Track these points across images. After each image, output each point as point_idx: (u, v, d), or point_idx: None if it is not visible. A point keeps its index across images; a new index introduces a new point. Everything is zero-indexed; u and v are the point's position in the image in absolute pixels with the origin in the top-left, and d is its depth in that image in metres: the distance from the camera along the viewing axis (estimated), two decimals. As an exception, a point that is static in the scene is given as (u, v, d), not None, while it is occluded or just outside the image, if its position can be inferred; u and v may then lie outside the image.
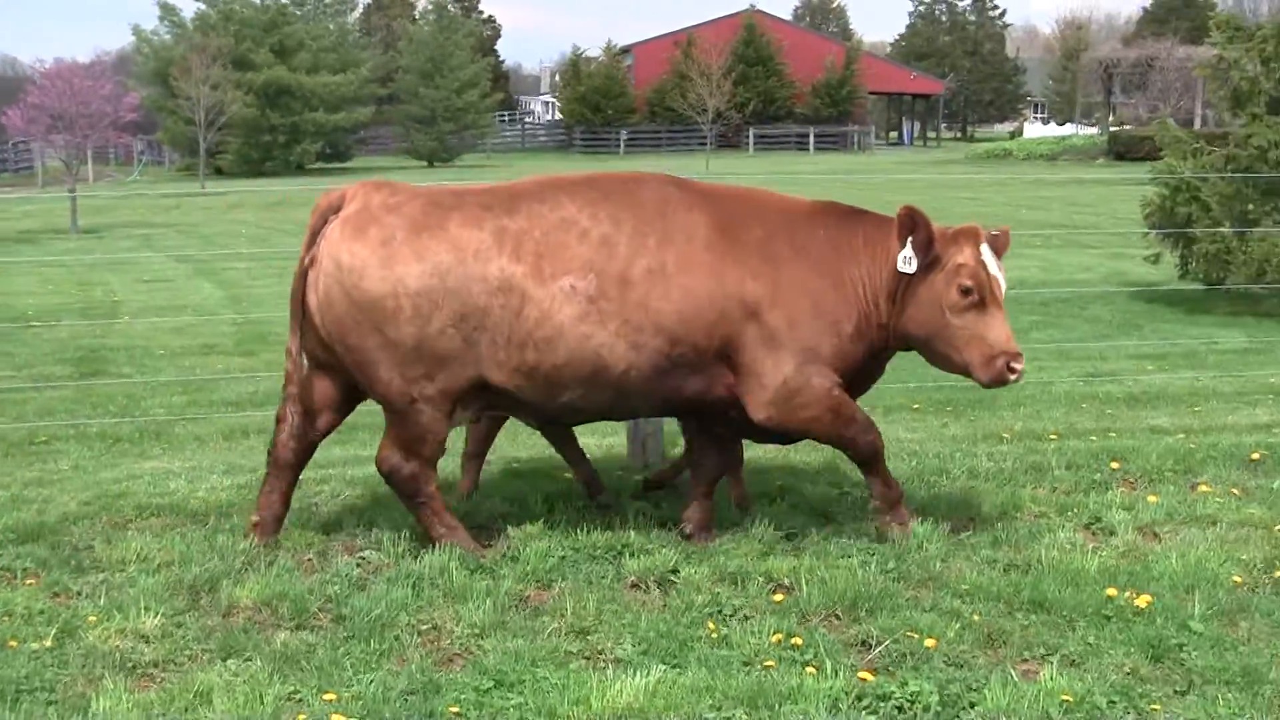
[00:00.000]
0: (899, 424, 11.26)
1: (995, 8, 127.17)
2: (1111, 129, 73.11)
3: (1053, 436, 10.45)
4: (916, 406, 12.23)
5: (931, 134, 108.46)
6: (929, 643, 6.39)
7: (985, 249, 7.67)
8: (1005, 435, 10.54)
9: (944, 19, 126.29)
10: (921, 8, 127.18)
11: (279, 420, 7.97)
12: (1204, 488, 9.00)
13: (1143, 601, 6.84)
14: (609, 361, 7.46)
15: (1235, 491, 8.90)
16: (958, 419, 11.55)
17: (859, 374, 7.95)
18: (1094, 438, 10.40)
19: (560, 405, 7.69)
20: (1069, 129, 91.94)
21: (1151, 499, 8.65)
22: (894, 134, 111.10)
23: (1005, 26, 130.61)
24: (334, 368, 7.81)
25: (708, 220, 7.69)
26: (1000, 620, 6.73)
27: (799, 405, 7.64)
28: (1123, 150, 62.33)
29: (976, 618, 6.73)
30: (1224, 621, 6.74)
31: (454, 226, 7.46)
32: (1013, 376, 7.64)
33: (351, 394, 7.97)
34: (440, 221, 7.48)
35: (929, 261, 7.64)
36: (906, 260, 7.63)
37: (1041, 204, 38.72)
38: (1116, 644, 6.43)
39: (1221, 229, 19.12)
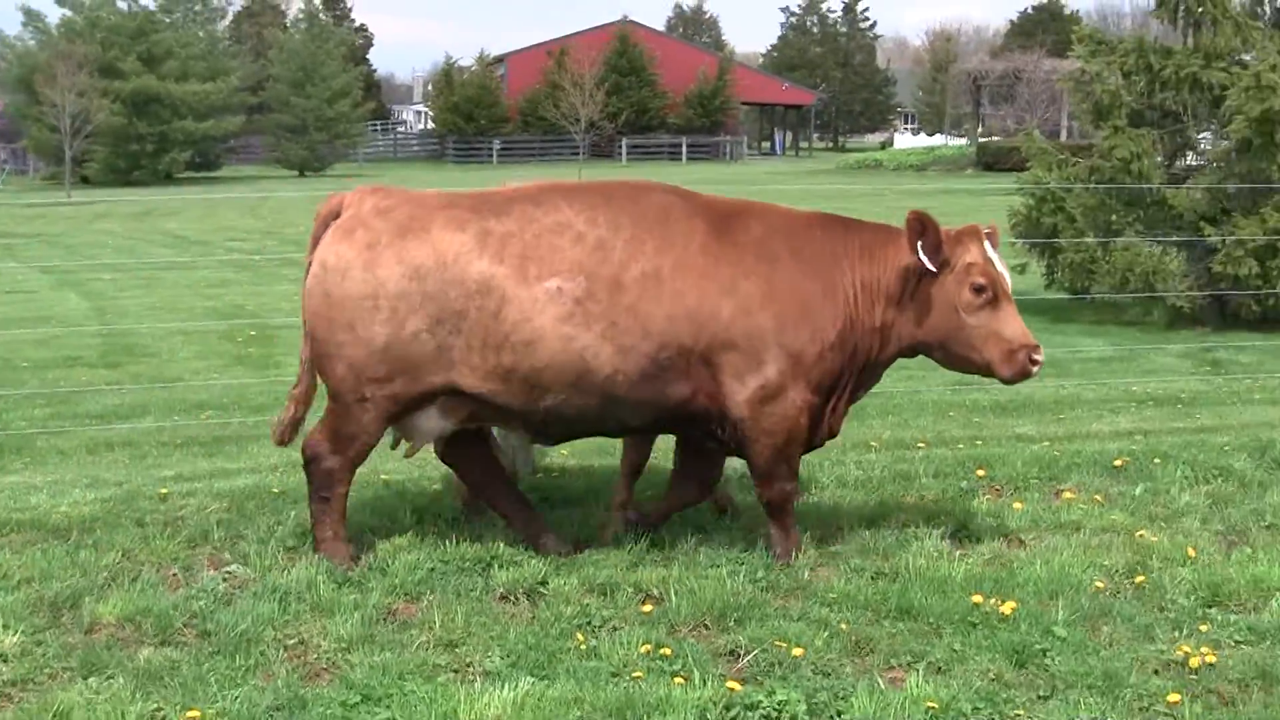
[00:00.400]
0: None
1: (866, 19, 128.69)
2: (980, 140, 74.01)
3: (920, 445, 10.55)
4: (786, 416, 12.29)
5: (803, 144, 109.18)
6: (797, 651, 6.42)
7: (988, 246, 7.73)
8: (874, 444, 10.62)
9: (815, 30, 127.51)
10: (793, 19, 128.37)
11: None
12: (1068, 495, 9.14)
13: (1008, 608, 6.92)
14: (592, 365, 7.40)
15: (1098, 498, 9.04)
16: (827, 428, 11.62)
17: (836, 382, 7.84)
18: (961, 446, 10.51)
19: (544, 411, 7.60)
20: (938, 140, 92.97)
21: (1017, 506, 8.76)
22: (766, 144, 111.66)
23: (876, 38, 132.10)
24: None
25: (706, 226, 7.67)
26: (868, 628, 6.79)
27: (768, 412, 7.58)
28: (991, 161, 63.05)
29: (844, 626, 6.77)
30: (1086, 626, 6.85)
31: (437, 229, 7.50)
32: (1035, 369, 7.71)
33: None
34: (424, 225, 7.52)
35: (938, 265, 7.63)
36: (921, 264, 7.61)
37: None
38: (982, 650, 6.50)
39: (1086, 239, 19.41)
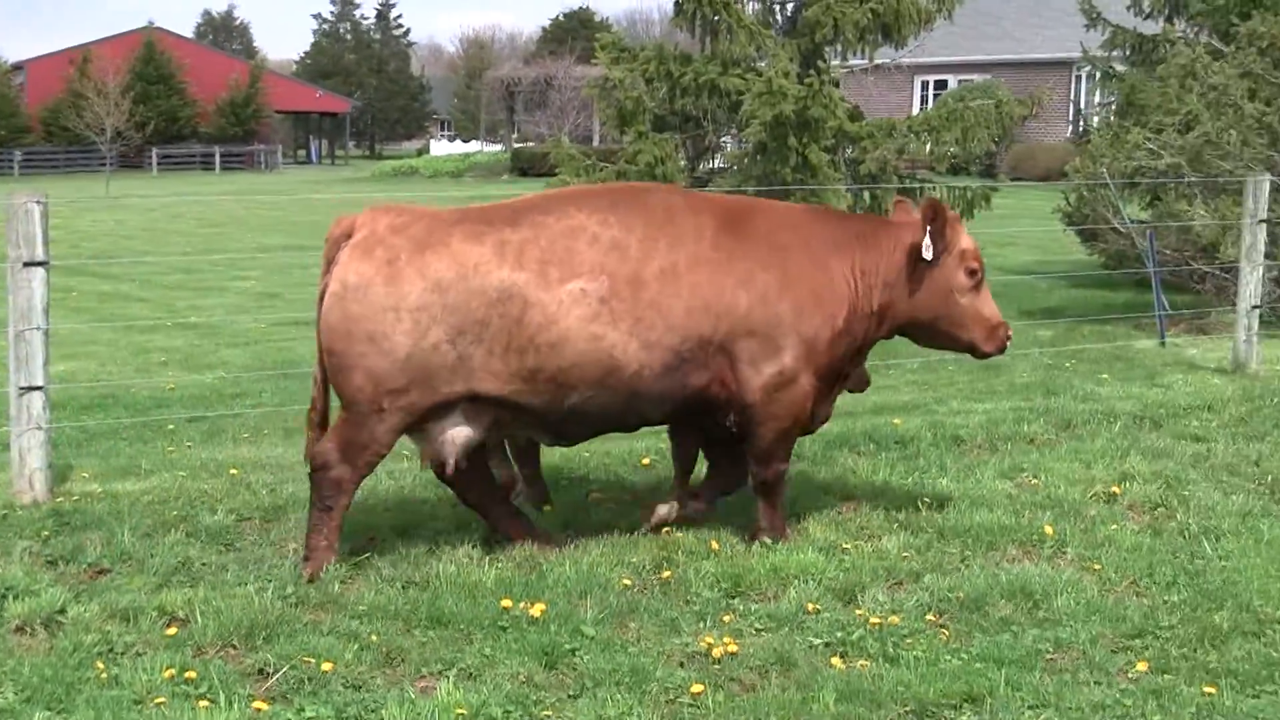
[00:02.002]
0: (301, 446, 11.10)
1: (400, 26, 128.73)
2: (515, 146, 74.81)
3: (453, 452, 10.50)
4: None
5: (340, 152, 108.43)
6: (326, 666, 6.34)
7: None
8: (406, 454, 10.50)
9: (349, 37, 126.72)
10: (326, 26, 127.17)
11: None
12: (597, 495, 9.30)
13: (537, 610, 6.99)
14: (620, 361, 7.66)
15: (627, 497, 9.22)
16: (360, 438, 11.51)
17: (841, 366, 8.38)
18: (493, 451, 10.54)
19: (567, 409, 7.79)
20: (475, 146, 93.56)
21: (547, 509, 8.85)
22: (302, 152, 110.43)
23: (410, 45, 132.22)
24: None
25: (714, 222, 8.02)
26: (399, 639, 6.75)
27: (781, 397, 8.02)
28: (526, 167, 63.85)
29: (375, 638, 6.72)
30: (615, 624, 6.98)
31: (456, 242, 7.62)
32: (1009, 344, 8.55)
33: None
34: (443, 238, 7.63)
35: (940, 251, 8.21)
36: (926, 249, 8.16)
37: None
38: (512, 653, 6.55)
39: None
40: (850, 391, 9.01)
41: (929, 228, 8.17)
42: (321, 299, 7.74)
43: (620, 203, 7.98)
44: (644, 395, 7.87)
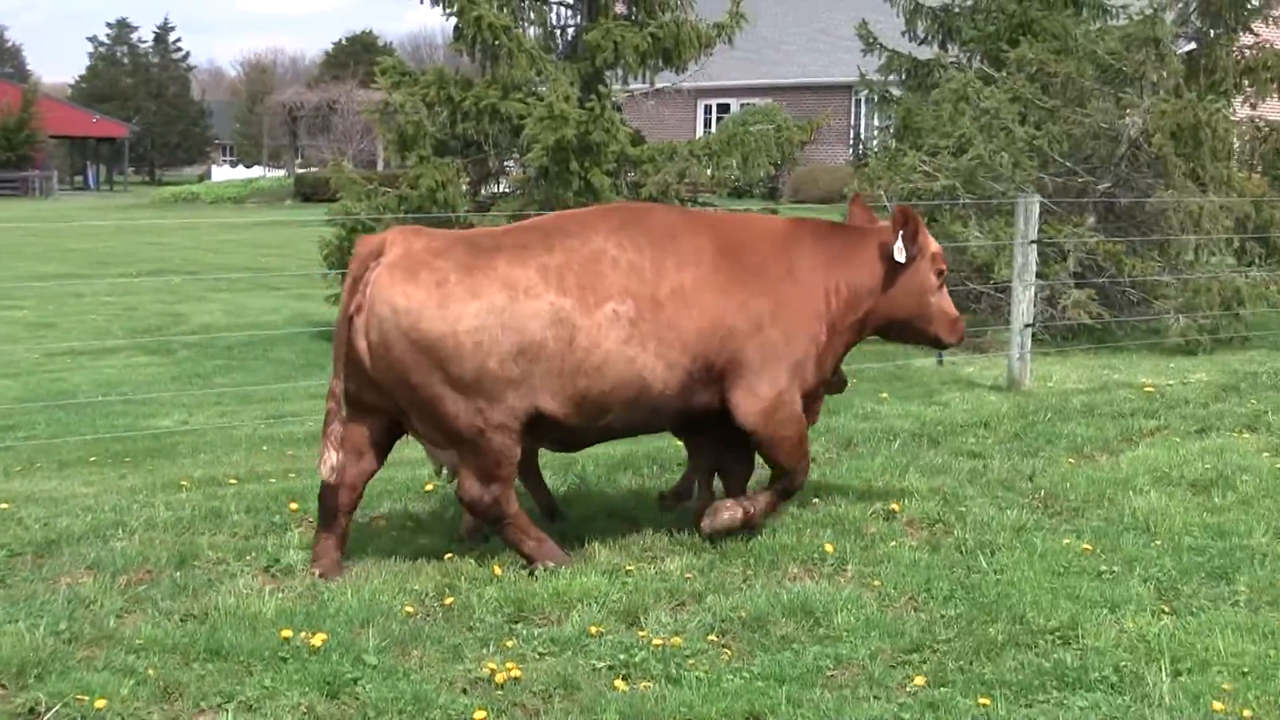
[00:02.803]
0: (75, 479, 10.90)
1: (179, 50, 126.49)
2: (298, 171, 74.01)
3: (232, 481, 10.36)
4: (94, 459, 11.88)
5: (119, 178, 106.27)
6: (100, 703, 6.17)
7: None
8: (184, 483, 10.36)
9: (126, 61, 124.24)
10: (102, 49, 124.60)
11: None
12: (382, 521, 9.22)
13: (318, 640, 6.89)
14: (649, 381, 7.94)
15: (410, 524, 9.15)
16: (136, 469, 11.29)
17: (820, 378, 8.72)
18: (274, 480, 10.41)
19: (600, 428, 8.17)
20: (258, 171, 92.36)
21: (327, 537, 8.74)
22: (79, 178, 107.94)
23: (190, 69, 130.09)
24: (377, 410, 8.01)
25: (711, 245, 8.25)
26: (176, 672, 6.59)
27: (781, 420, 8.33)
28: (309, 192, 63.06)
29: (152, 672, 6.56)
30: (397, 652, 6.90)
31: (502, 266, 7.71)
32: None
33: (391, 436, 8.25)
34: (488, 262, 7.72)
35: (913, 254, 8.66)
36: (899, 252, 8.58)
37: (228, 247, 38.55)
38: (293, 685, 6.44)
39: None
40: (829, 393, 9.41)
41: (901, 232, 8.57)
42: (350, 318, 7.77)
43: (628, 223, 8.19)
44: (661, 413, 8.25)
